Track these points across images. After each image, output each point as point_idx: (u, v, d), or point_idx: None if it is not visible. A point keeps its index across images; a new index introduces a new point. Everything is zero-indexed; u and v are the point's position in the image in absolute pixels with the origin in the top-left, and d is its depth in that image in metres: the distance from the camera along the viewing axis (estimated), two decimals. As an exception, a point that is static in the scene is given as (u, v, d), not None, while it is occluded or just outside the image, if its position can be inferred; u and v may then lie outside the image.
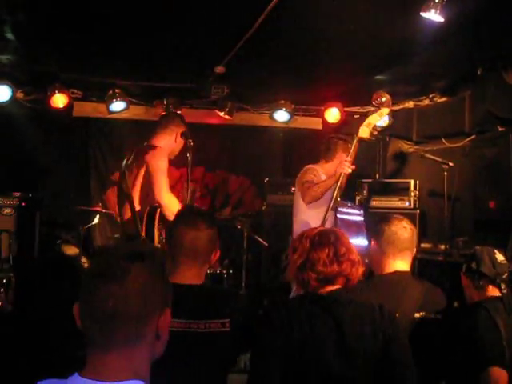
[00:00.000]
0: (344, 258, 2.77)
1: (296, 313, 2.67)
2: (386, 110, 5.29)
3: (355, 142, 5.20)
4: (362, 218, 5.27)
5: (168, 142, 5.19)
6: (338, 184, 5.19)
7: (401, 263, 3.61)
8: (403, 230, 3.65)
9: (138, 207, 4.77)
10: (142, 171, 4.97)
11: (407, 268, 3.65)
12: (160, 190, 4.86)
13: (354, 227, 5.07)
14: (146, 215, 4.74)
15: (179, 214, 3.19)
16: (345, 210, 5.24)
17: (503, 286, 3.33)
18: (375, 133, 5.31)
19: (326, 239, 2.81)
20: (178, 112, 7.23)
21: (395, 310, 3.08)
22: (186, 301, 2.72)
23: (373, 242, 3.73)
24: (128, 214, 4.78)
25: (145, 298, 1.63)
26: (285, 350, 2.60)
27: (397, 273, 3.57)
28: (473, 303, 3.42)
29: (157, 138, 5.18)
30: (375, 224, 3.84)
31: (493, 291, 3.36)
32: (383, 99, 5.23)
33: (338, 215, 5.13)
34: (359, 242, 4.90)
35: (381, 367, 2.65)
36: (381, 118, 5.29)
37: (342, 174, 5.17)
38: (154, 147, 5.09)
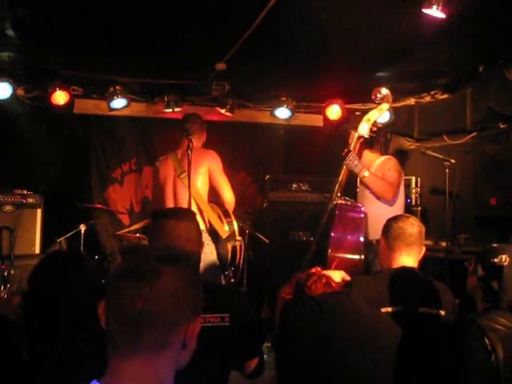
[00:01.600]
0: None
1: (322, 307, 2.74)
2: (385, 106, 5.25)
3: (355, 138, 5.18)
4: (361, 215, 5.23)
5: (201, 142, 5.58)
6: (340, 179, 5.18)
7: (407, 258, 3.64)
8: (410, 226, 3.69)
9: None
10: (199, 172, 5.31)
11: (414, 264, 3.67)
12: (229, 189, 5.51)
13: (352, 224, 5.04)
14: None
15: (161, 212, 3.22)
16: (344, 206, 5.22)
17: None
18: (375, 129, 5.27)
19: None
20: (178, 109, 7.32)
21: (400, 304, 3.13)
22: None
23: (381, 239, 3.77)
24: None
25: (176, 302, 1.58)
26: (311, 345, 2.64)
27: (403, 268, 3.59)
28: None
29: (196, 138, 5.32)
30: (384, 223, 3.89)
31: None
32: (383, 94, 5.18)
33: (337, 211, 5.11)
34: (354, 238, 4.90)
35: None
36: (381, 114, 5.24)
37: (344, 169, 5.16)
38: (206, 150, 5.56)
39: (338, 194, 5.14)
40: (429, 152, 6.52)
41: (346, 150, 5.21)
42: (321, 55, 6.01)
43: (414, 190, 7.40)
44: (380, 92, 5.18)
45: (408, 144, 8.13)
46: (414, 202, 7.36)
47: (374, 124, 5.20)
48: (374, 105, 5.45)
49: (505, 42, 5.54)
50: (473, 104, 6.65)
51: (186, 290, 1.61)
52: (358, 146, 5.28)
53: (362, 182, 5.59)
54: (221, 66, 6.41)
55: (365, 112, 7.74)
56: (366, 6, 4.68)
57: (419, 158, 7.33)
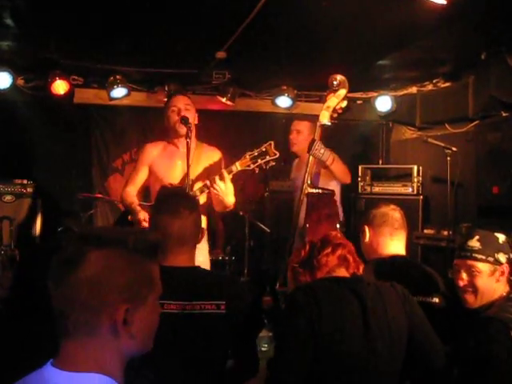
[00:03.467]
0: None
1: (323, 294, 2.71)
2: (343, 91, 5.19)
3: (318, 127, 5.16)
4: (334, 201, 5.23)
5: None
6: (308, 168, 5.16)
7: (398, 244, 3.64)
8: (393, 211, 3.72)
9: None
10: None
11: (403, 251, 3.66)
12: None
13: (326, 210, 5.02)
14: None
15: (161, 201, 3.18)
16: (316, 194, 5.20)
17: None
18: (335, 115, 5.23)
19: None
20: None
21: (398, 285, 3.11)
22: (180, 283, 2.74)
23: (366, 229, 3.73)
24: None
25: (95, 287, 1.55)
26: (312, 333, 2.62)
27: (396, 256, 3.58)
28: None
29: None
30: (364, 213, 3.89)
31: None
32: (338, 80, 5.17)
33: (309, 200, 5.09)
34: (332, 225, 4.88)
35: (409, 345, 2.77)
36: (338, 100, 5.19)
37: (311, 158, 5.15)
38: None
39: (308, 182, 5.11)
40: (430, 140, 6.49)
41: (311, 139, 5.20)
42: (322, 43, 5.98)
43: (415, 179, 7.37)
44: (336, 79, 5.17)
45: (410, 133, 8.11)
46: (415, 191, 7.34)
47: (334, 111, 5.18)
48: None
49: (507, 30, 5.49)
50: (475, 92, 6.60)
51: (111, 275, 1.56)
52: (320, 133, 5.26)
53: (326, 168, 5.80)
54: (221, 55, 6.38)
55: (366, 100, 7.74)
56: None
57: (421, 146, 7.30)
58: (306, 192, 5.04)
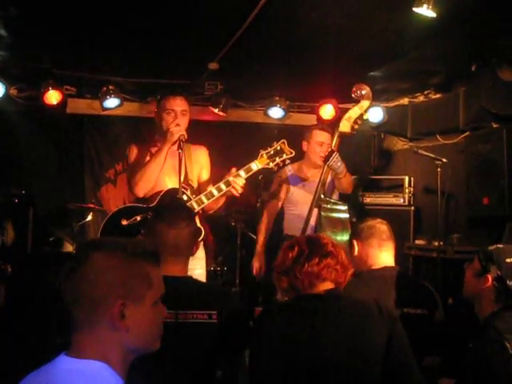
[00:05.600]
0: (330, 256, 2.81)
1: (293, 310, 2.69)
2: (366, 103, 5.21)
3: (337, 136, 5.19)
4: (347, 215, 5.24)
5: None
6: (321, 179, 5.19)
7: (387, 255, 3.65)
8: (380, 224, 3.76)
9: None
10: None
11: (393, 262, 3.67)
12: None
13: (339, 224, 5.04)
14: None
15: (160, 209, 3.21)
16: (329, 206, 5.22)
17: None
18: (356, 126, 5.25)
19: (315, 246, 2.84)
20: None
21: (384, 305, 3.08)
22: (173, 292, 2.75)
23: (355, 243, 3.76)
24: None
25: (94, 284, 1.73)
26: (283, 348, 2.60)
27: (386, 268, 3.59)
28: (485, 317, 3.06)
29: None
30: (352, 229, 3.92)
31: None
32: (363, 92, 5.18)
33: (322, 212, 5.11)
34: (345, 239, 4.89)
35: (384, 364, 2.67)
36: (361, 111, 5.22)
37: (326, 169, 5.17)
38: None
39: (322, 196, 5.14)
40: (420, 151, 6.51)
41: (330, 149, 5.20)
42: (314, 54, 6.02)
43: (407, 190, 7.39)
44: (361, 89, 5.17)
45: (401, 144, 8.14)
46: (406, 202, 7.36)
47: (355, 122, 5.20)
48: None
49: (497, 42, 5.54)
50: (465, 103, 6.64)
51: (108, 273, 1.75)
52: (338, 144, 5.29)
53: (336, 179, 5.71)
54: (213, 66, 6.41)
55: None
56: (357, 5, 4.68)
57: (412, 157, 7.33)
58: (320, 203, 5.09)
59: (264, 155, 4.66)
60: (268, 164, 4.67)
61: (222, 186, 4.54)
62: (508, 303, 2.96)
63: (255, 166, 4.62)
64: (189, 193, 4.55)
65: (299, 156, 6.08)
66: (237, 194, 4.53)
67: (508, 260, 3.00)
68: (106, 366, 1.71)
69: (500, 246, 3.13)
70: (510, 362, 2.70)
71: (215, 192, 4.55)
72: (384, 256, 3.65)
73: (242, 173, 4.54)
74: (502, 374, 2.71)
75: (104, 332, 1.74)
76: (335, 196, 5.91)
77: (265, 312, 2.85)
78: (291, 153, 4.74)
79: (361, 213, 6.95)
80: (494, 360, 2.74)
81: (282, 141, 4.75)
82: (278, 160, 4.68)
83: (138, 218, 4.63)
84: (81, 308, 1.74)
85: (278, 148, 4.70)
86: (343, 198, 5.89)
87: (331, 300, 2.75)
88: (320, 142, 5.96)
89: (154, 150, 4.78)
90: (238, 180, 4.50)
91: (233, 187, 4.50)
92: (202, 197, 4.54)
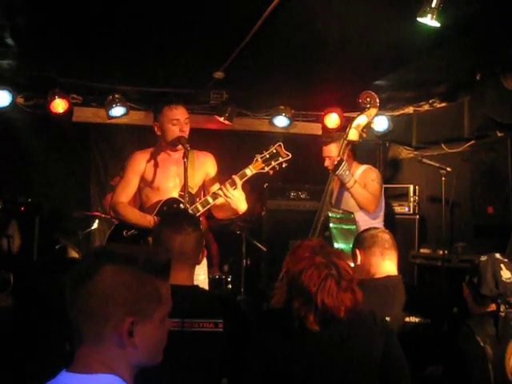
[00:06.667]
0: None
1: (284, 322, 2.65)
2: (373, 111, 5.23)
3: (345, 144, 5.20)
4: (355, 226, 5.24)
5: None
6: (330, 187, 5.19)
7: (390, 264, 3.65)
8: (382, 233, 3.77)
9: None
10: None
11: (396, 271, 3.67)
12: None
13: (349, 235, 5.02)
14: None
15: (166, 216, 3.22)
16: (338, 217, 5.23)
17: (502, 308, 3.03)
18: (364, 135, 5.26)
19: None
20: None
21: (386, 314, 3.09)
22: (179, 300, 2.75)
23: (358, 252, 3.76)
24: None
25: (104, 300, 1.67)
26: (274, 358, 2.60)
27: (388, 277, 3.59)
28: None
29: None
30: (355, 238, 3.94)
31: (495, 307, 3.11)
32: (371, 100, 5.20)
33: (332, 224, 5.11)
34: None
35: (379, 376, 2.65)
36: (369, 119, 5.24)
37: (334, 177, 5.18)
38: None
39: (331, 204, 5.15)
40: (425, 160, 6.53)
41: (339, 158, 5.20)
42: (319, 64, 6.04)
43: (412, 199, 7.40)
44: (369, 97, 5.19)
45: (406, 152, 8.15)
46: (411, 211, 7.37)
47: (363, 130, 5.21)
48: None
49: (501, 51, 5.56)
50: (470, 112, 6.65)
51: (120, 290, 1.69)
52: (347, 152, 5.31)
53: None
54: (219, 75, 6.44)
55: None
56: (363, 15, 4.70)
57: (417, 166, 7.32)
58: (328, 213, 5.09)
59: (259, 159, 4.56)
60: (263, 168, 4.58)
61: (218, 192, 4.50)
62: (478, 298, 3.14)
63: (249, 171, 4.54)
64: (187, 200, 4.50)
65: (306, 163, 6.15)
66: (232, 200, 4.44)
67: (475, 262, 3.20)
68: (116, 378, 1.67)
69: (489, 255, 3.24)
70: (482, 356, 2.87)
71: (210, 200, 4.51)
72: (387, 265, 3.65)
73: (236, 179, 4.46)
74: (476, 369, 2.87)
75: (111, 348, 1.68)
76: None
77: (256, 319, 2.85)
78: (288, 155, 4.62)
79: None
80: (468, 356, 2.90)
81: (279, 143, 4.66)
82: (273, 164, 4.58)
83: (129, 233, 4.64)
84: (88, 322, 1.69)
85: (274, 151, 4.61)
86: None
87: None
88: (328, 158, 5.82)
89: (158, 158, 4.79)
90: (227, 186, 4.44)
91: (223, 193, 4.43)
92: (198, 205, 4.50)
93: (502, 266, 3.15)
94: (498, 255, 3.23)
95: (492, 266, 3.14)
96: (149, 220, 4.52)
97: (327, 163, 5.80)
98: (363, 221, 5.41)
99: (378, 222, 5.54)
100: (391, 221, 7.23)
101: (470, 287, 3.21)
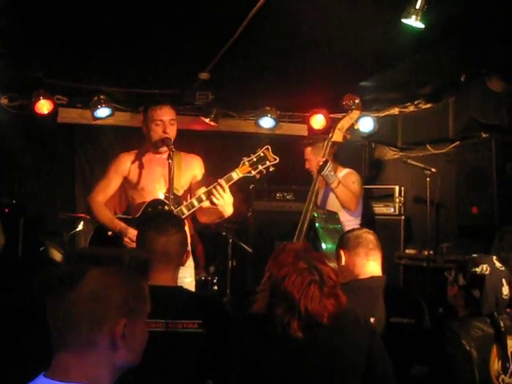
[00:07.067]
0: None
1: (267, 327, 2.60)
2: (356, 113, 5.37)
3: (329, 145, 5.25)
4: (340, 225, 5.34)
5: None
6: (316, 188, 5.23)
7: (374, 265, 3.65)
8: (366, 233, 3.77)
9: None
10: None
11: (380, 272, 3.68)
12: None
13: (336, 234, 5.05)
14: None
15: (149, 218, 3.21)
16: (324, 217, 5.29)
17: (503, 324, 3.01)
18: (348, 136, 5.40)
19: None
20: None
21: (371, 315, 3.08)
22: (163, 301, 2.75)
23: (342, 253, 3.76)
24: None
25: (96, 304, 1.65)
26: (254, 365, 2.60)
27: (372, 278, 3.60)
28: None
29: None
30: (339, 238, 3.94)
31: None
32: (354, 102, 5.31)
33: (317, 223, 5.15)
34: None
35: (363, 376, 2.63)
36: (352, 121, 5.35)
37: (319, 178, 5.22)
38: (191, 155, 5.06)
39: (316, 204, 5.19)
40: (409, 161, 6.57)
41: (324, 159, 5.26)
42: (304, 65, 6.04)
43: (397, 200, 7.42)
44: (352, 99, 5.30)
45: (392, 153, 8.18)
46: (397, 212, 7.39)
47: (347, 131, 5.33)
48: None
49: (486, 52, 5.58)
50: (455, 113, 6.69)
51: (110, 292, 1.67)
52: (331, 152, 5.38)
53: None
54: (204, 76, 6.43)
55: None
56: (348, 16, 4.71)
57: (403, 167, 7.35)
58: (314, 214, 5.12)
59: (246, 163, 4.49)
60: (250, 172, 4.50)
61: (203, 196, 4.44)
62: (474, 310, 3.09)
63: (235, 175, 4.46)
64: (172, 203, 4.46)
65: (292, 164, 6.18)
66: (218, 203, 4.36)
67: (473, 269, 3.11)
68: None
69: (474, 255, 3.26)
70: (466, 360, 2.88)
71: (195, 202, 4.45)
72: (371, 265, 3.65)
73: (222, 183, 4.39)
74: (460, 372, 2.89)
75: (101, 353, 1.66)
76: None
77: (238, 324, 2.84)
78: (275, 159, 4.55)
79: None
80: (452, 360, 2.91)
81: (266, 147, 4.60)
82: (260, 167, 4.50)
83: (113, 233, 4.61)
84: (76, 328, 1.64)
85: (262, 155, 4.53)
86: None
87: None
88: (307, 160, 6.15)
89: (144, 159, 4.76)
90: (218, 188, 4.36)
91: (213, 195, 4.35)
92: (183, 208, 4.45)
93: (503, 281, 3.10)
94: (497, 263, 3.17)
95: (495, 282, 3.08)
96: (115, 225, 4.53)
97: (307, 165, 6.08)
98: (346, 221, 5.64)
99: (358, 223, 5.85)
100: (375, 221, 7.28)
101: (465, 294, 3.14)
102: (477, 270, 3.11)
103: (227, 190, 4.40)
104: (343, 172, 5.95)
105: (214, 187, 4.39)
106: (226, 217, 4.55)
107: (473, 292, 3.09)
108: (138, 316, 1.72)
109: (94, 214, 4.74)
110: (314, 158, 5.92)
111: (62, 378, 1.62)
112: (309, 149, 6.12)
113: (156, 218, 3.16)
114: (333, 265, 3.68)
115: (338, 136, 5.26)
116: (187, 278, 4.52)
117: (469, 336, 2.94)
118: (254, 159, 4.52)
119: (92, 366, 1.64)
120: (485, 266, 3.11)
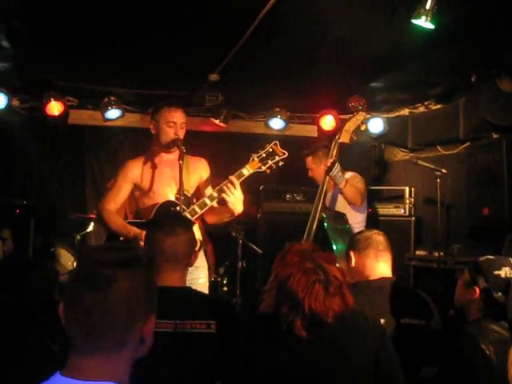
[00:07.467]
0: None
1: (273, 326, 2.61)
2: (362, 115, 5.44)
3: (336, 146, 5.27)
4: (348, 225, 5.36)
5: None
6: (324, 189, 5.24)
7: (384, 266, 3.64)
8: (376, 234, 3.75)
9: None
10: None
11: (390, 273, 3.67)
12: None
13: (345, 234, 5.07)
14: None
15: (157, 219, 3.22)
16: (332, 217, 5.31)
17: None
18: (355, 137, 5.43)
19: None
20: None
21: (381, 316, 3.07)
22: (171, 302, 2.75)
23: (352, 254, 3.75)
24: None
25: (131, 306, 1.64)
26: (261, 365, 2.60)
27: (383, 279, 3.59)
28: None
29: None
30: (349, 240, 3.94)
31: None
32: (359, 104, 5.38)
33: (326, 223, 5.17)
34: None
35: (372, 376, 2.62)
36: (358, 123, 5.41)
37: (327, 179, 5.23)
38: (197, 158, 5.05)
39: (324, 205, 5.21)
40: (420, 162, 6.55)
41: (332, 160, 5.28)
42: (314, 66, 6.04)
43: (407, 201, 7.40)
44: (357, 101, 5.37)
45: (402, 154, 8.16)
46: (407, 213, 7.37)
47: (354, 132, 5.37)
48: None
49: (497, 52, 5.57)
50: (466, 114, 6.67)
51: (140, 291, 1.66)
52: (338, 153, 5.41)
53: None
54: (214, 77, 6.44)
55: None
56: (358, 17, 4.71)
57: (413, 168, 7.34)
58: (323, 214, 5.14)
59: (255, 159, 4.54)
60: (260, 168, 4.55)
61: (214, 194, 4.45)
62: (493, 314, 3.02)
63: (246, 171, 4.49)
64: (183, 204, 4.46)
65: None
66: (229, 200, 4.36)
67: (496, 272, 3.04)
68: None
69: (490, 257, 3.15)
70: (485, 363, 2.80)
71: (208, 201, 4.45)
72: (381, 267, 3.64)
73: (233, 179, 4.40)
74: (478, 376, 2.82)
75: (129, 351, 1.66)
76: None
77: (246, 323, 2.85)
78: (284, 154, 4.61)
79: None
80: (470, 364, 2.85)
81: (274, 142, 4.65)
82: (270, 162, 4.56)
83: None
84: (110, 334, 1.61)
85: (270, 150, 4.59)
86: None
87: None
88: (309, 169, 6.34)
89: (152, 162, 4.75)
90: (229, 185, 4.37)
91: (224, 192, 4.35)
92: (195, 207, 4.45)
93: None
94: None
95: None
96: (129, 231, 4.50)
97: (310, 174, 6.24)
98: (353, 223, 5.76)
99: (364, 225, 5.99)
100: (386, 223, 7.26)
101: (487, 297, 3.04)
102: (500, 273, 3.04)
103: (238, 186, 4.41)
104: (347, 175, 6.00)
105: (225, 184, 4.40)
106: (236, 215, 4.53)
107: (496, 295, 3.01)
108: (155, 310, 1.74)
109: (106, 223, 4.72)
110: (315, 166, 6.15)
111: (83, 376, 1.60)
112: (310, 158, 6.25)
113: (163, 219, 3.17)
114: (341, 265, 3.73)
115: (345, 137, 5.32)
116: (201, 278, 4.53)
117: (487, 340, 2.89)
118: (263, 155, 4.57)
119: (119, 364, 1.64)
120: (507, 269, 3.05)
